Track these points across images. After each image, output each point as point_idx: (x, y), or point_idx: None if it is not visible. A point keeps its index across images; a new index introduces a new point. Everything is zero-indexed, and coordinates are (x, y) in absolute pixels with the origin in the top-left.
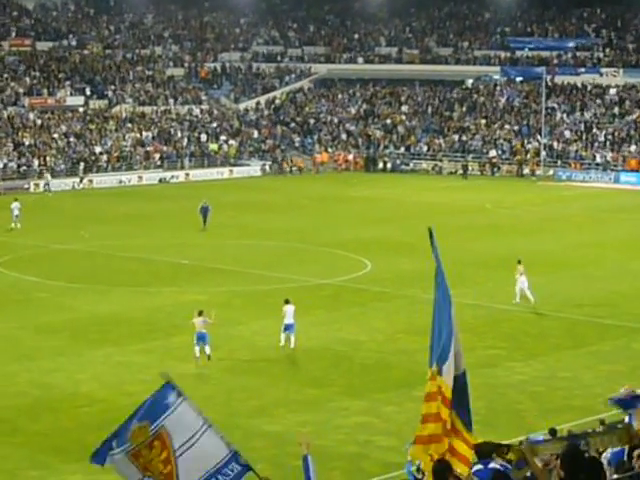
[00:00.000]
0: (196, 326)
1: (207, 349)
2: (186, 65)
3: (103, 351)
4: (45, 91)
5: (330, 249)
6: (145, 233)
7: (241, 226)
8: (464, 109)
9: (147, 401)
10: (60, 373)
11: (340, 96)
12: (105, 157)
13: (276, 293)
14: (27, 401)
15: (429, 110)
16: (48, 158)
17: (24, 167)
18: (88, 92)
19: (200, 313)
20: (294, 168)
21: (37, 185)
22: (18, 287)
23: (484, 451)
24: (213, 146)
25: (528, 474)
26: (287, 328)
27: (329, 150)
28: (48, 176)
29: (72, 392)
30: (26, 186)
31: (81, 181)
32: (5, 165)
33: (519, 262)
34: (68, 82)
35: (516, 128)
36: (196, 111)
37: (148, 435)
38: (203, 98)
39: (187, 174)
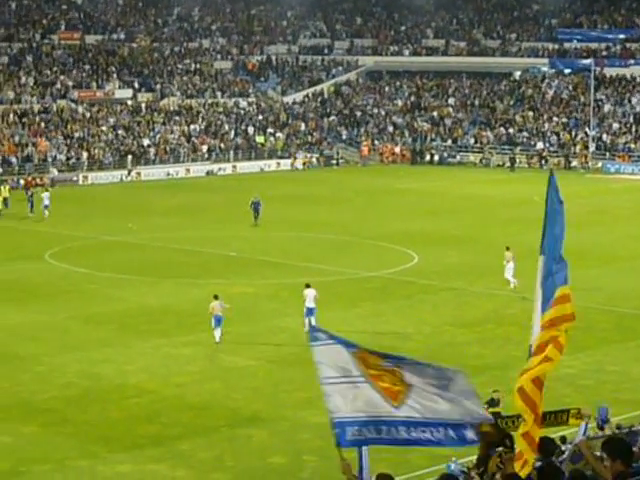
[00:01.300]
0: (213, 309)
1: (218, 333)
2: (233, 58)
3: (152, 342)
4: (94, 84)
5: (377, 242)
6: (193, 225)
7: (288, 219)
8: (512, 101)
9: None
10: (109, 364)
11: (387, 88)
12: (153, 150)
13: (323, 285)
14: (76, 392)
15: (476, 102)
16: (96, 150)
17: (73, 159)
18: (136, 85)
19: (216, 297)
20: (341, 160)
21: (86, 177)
22: (68, 278)
23: (548, 449)
24: (260, 139)
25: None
26: (308, 312)
27: (376, 142)
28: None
29: (120, 383)
30: (75, 178)
31: (129, 174)
32: (54, 157)
33: (507, 248)
34: (116, 75)
35: (564, 120)
36: (243, 104)
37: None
38: (250, 91)
39: (234, 166)
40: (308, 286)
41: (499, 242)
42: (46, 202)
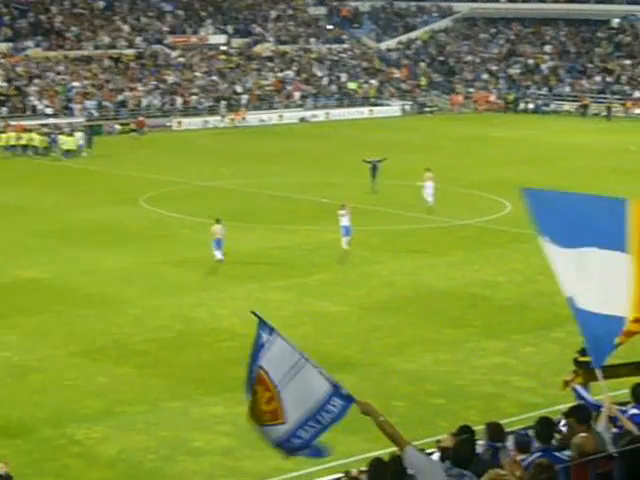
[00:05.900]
0: (215, 233)
1: (219, 253)
2: (328, 4)
3: (244, 287)
4: (188, 29)
5: (469, 190)
6: (285, 172)
7: (381, 166)
8: (609, 49)
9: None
10: (202, 308)
11: (482, 36)
12: (246, 96)
13: (415, 233)
14: (170, 334)
15: (573, 50)
16: (190, 96)
17: (167, 105)
18: (230, 31)
19: (218, 221)
20: (434, 108)
21: (179, 123)
22: (162, 223)
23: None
24: (352, 85)
25: None
26: (346, 231)
27: (470, 90)
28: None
29: (213, 327)
30: (168, 124)
31: (222, 120)
32: (149, 103)
33: (428, 169)
34: (211, 21)
35: None
36: (337, 50)
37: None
38: (344, 37)
39: (327, 113)
40: (343, 206)
41: (594, 192)
42: (80, 142)
